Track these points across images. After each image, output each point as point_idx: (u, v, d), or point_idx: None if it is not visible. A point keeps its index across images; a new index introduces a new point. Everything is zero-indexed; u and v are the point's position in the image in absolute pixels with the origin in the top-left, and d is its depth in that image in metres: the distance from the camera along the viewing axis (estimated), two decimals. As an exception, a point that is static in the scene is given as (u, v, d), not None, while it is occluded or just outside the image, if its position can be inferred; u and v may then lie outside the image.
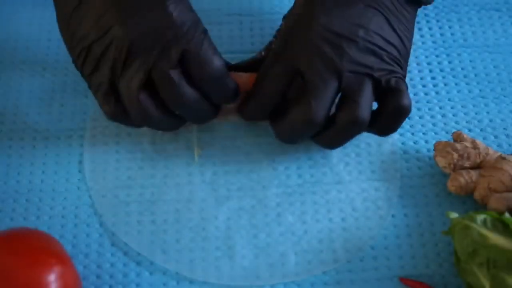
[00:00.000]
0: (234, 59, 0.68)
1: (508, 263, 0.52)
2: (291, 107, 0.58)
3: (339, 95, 0.58)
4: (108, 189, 0.61)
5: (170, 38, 0.56)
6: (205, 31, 0.58)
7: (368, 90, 0.57)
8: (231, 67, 0.63)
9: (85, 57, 0.57)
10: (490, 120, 0.66)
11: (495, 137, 0.65)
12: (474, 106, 0.67)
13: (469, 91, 0.68)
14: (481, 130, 0.65)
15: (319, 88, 0.57)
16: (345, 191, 0.62)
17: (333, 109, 0.58)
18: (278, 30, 0.62)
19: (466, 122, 0.66)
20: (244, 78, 0.61)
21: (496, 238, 0.53)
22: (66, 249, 0.55)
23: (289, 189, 0.62)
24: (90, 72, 0.58)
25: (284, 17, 0.62)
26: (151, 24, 0.56)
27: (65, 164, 0.63)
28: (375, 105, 0.59)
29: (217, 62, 0.57)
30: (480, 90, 0.68)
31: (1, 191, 0.61)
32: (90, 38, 0.57)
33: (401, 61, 0.60)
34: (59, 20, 0.60)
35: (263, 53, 0.63)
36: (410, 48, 0.61)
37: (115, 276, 0.57)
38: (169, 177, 0.62)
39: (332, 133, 0.59)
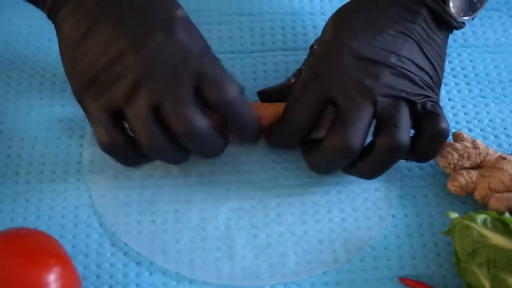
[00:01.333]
0: (234, 59, 0.69)
1: (508, 263, 0.52)
2: (325, 136, 0.57)
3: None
4: (108, 189, 0.61)
5: (182, 64, 0.54)
6: (215, 56, 0.57)
7: (405, 113, 0.56)
8: (259, 93, 0.63)
9: (89, 84, 0.55)
10: (490, 120, 0.66)
11: (495, 137, 0.65)
12: (474, 106, 0.67)
13: (469, 91, 0.68)
14: (481, 130, 0.65)
15: (354, 114, 0.55)
16: (345, 191, 0.62)
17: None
18: (307, 58, 0.61)
19: (466, 122, 0.66)
20: (268, 107, 0.61)
21: (496, 238, 0.53)
22: (66, 249, 0.55)
23: (289, 189, 0.62)
24: (93, 99, 0.55)
25: (311, 46, 0.61)
26: (163, 51, 0.54)
27: (65, 164, 0.63)
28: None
29: (233, 85, 0.55)
30: (480, 90, 0.68)
31: (0, 191, 0.61)
32: (99, 66, 0.55)
33: (434, 87, 0.59)
34: (62, 50, 0.58)
35: (292, 79, 0.62)
36: (442, 75, 0.61)
37: (115, 276, 0.57)
38: (168, 177, 0.62)
39: (371, 160, 0.57)
